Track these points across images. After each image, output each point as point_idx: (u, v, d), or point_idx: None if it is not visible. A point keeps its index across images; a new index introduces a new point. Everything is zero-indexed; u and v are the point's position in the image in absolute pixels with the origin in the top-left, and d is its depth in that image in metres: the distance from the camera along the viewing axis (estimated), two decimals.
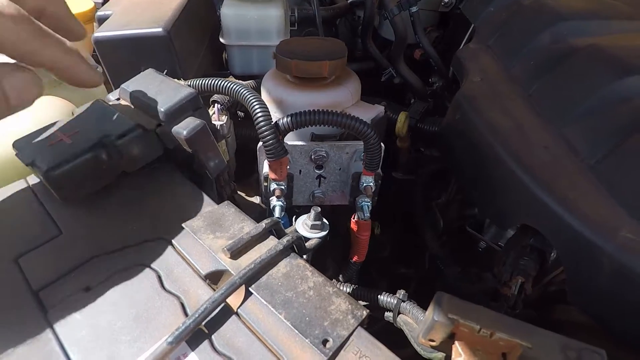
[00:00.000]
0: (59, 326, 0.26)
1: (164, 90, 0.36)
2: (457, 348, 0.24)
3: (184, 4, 0.58)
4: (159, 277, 0.29)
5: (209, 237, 0.32)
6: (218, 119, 0.50)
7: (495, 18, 0.59)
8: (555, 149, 0.41)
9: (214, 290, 0.28)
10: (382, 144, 0.41)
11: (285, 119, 0.36)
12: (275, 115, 0.45)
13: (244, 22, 0.61)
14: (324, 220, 0.37)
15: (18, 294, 0.28)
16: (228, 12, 0.61)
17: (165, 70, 0.44)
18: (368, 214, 0.44)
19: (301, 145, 0.42)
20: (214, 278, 0.30)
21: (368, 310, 0.27)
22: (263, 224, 0.32)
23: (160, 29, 0.49)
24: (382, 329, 0.41)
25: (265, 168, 0.41)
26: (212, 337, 0.26)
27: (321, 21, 0.74)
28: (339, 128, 0.37)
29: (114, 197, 0.35)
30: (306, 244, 0.36)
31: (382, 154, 0.42)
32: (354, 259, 0.48)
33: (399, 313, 0.40)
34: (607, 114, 0.39)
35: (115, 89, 0.41)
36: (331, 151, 0.42)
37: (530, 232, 0.43)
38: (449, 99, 0.72)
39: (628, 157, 0.36)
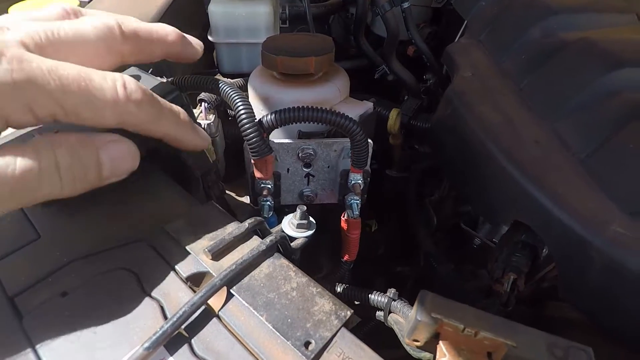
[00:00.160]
0: (35, 333, 0.25)
1: None
2: (442, 348, 0.23)
3: (170, 1, 0.57)
4: (139, 281, 0.28)
5: (190, 238, 0.31)
6: (205, 118, 0.50)
7: (486, 12, 0.58)
8: (546, 143, 0.40)
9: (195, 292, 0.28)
10: (370, 141, 0.41)
11: (269, 116, 0.36)
12: (262, 113, 0.44)
13: (232, 19, 0.60)
14: (311, 219, 0.37)
15: None
16: (216, 10, 0.60)
17: (150, 69, 0.43)
18: (357, 212, 0.43)
19: (288, 143, 0.41)
20: (195, 280, 0.29)
21: (352, 311, 0.27)
22: (246, 223, 0.31)
23: None
24: (378, 328, 0.40)
25: (252, 167, 0.41)
26: (192, 341, 0.25)
27: (312, 18, 0.73)
28: (325, 125, 0.36)
29: (94, 199, 0.34)
30: (293, 244, 0.36)
31: (371, 151, 0.42)
32: (345, 258, 0.48)
33: (389, 312, 0.39)
34: (598, 107, 0.38)
35: None
36: (319, 149, 0.42)
37: (523, 228, 0.42)
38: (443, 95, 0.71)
39: (618, 151, 0.35)
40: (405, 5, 0.70)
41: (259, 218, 0.32)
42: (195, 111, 0.50)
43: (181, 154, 0.37)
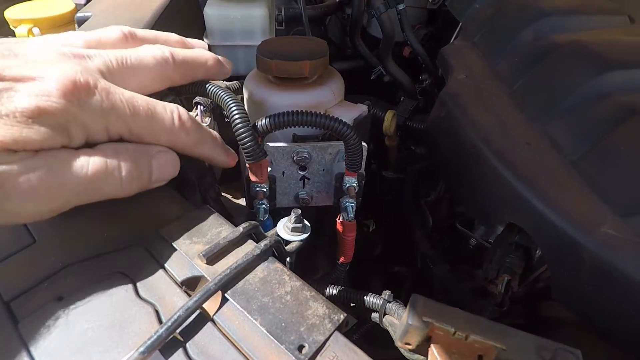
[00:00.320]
0: (30, 337, 0.26)
1: None
2: (433, 351, 0.24)
3: (166, 4, 0.57)
4: (134, 285, 0.29)
5: (185, 242, 0.31)
6: (201, 120, 0.50)
7: (480, 15, 0.59)
8: (538, 145, 0.40)
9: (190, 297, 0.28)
10: (364, 144, 0.41)
11: (264, 120, 0.36)
12: (258, 116, 0.45)
13: (227, 22, 0.60)
14: (305, 222, 0.37)
15: None
16: (212, 12, 0.60)
17: None
18: (352, 215, 0.43)
19: (283, 146, 0.41)
20: (190, 285, 0.29)
21: (346, 315, 0.27)
22: (241, 228, 0.32)
23: None
24: (376, 329, 0.40)
25: (247, 170, 0.41)
26: (187, 345, 0.26)
27: (308, 20, 0.74)
28: (319, 129, 0.36)
29: (90, 203, 0.35)
30: (287, 247, 0.36)
31: (365, 154, 0.42)
32: (340, 260, 0.48)
33: (385, 314, 0.40)
34: (589, 109, 0.39)
35: None
36: (314, 152, 0.42)
37: (516, 229, 0.43)
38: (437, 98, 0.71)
39: (609, 153, 0.36)
40: (401, 7, 0.71)
41: (253, 222, 0.32)
42: (192, 114, 0.51)
43: None
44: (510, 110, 0.45)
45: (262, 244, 0.31)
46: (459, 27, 0.69)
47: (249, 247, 0.31)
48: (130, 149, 0.30)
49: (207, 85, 0.38)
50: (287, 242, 0.36)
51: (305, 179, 0.44)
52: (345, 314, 0.27)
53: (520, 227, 0.39)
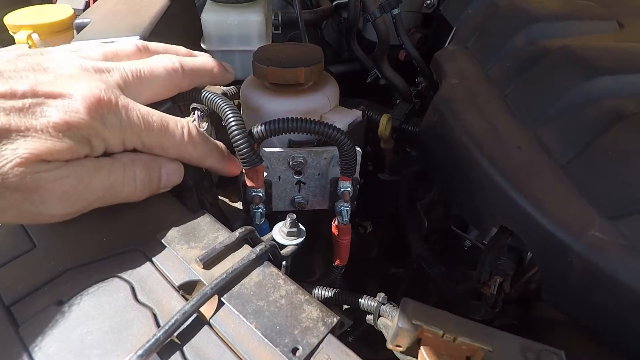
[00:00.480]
0: (30, 341, 0.26)
1: None
2: (423, 353, 0.24)
3: (164, 10, 0.58)
4: (132, 289, 0.29)
5: (183, 247, 0.32)
6: (199, 125, 0.51)
7: (473, 20, 0.60)
8: (529, 149, 0.41)
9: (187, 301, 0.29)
10: (358, 149, 0.42)
11: (259, 127, 0.37)
12: (254, 121, 0.45)
13: (224, 27, 0.61)
14: (301, 226, 0.38)
15: None
16: (208, 18, 0.61)
17: None
18: (347, 219, 0.44)
19: (279, 151, 0.42)
20: (187, 289, 0.30)
21: (339, 317, 0.28)
22: (237, 233, 0.32)
23: (136, 37, 0.49)
24: (372, 330, 0.41)
25: (243, 176, 0.42)
26: (184, 348, 0.26)
27: (304, 25, 0.74)
28: (313, 135, 0.37)
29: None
30: (283, 251, 0.37)
31: (359, 159, 0.43)
32: (336, 263, 0.49)
33: (379, 316, 0.40)
34: (578, 114, 0.40)
35: None
36: (309, 157, 0.43)
37: (508, 232, 0.44)
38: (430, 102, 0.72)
39: (597, 157, 0.37)
40: (395, 12, 0.71)
41: (249, 227, 0.33)
42: (189, 119, 0.51)
43: None
44: (502, 114, 0.46)
45: (258, 248, 0.31)
46: (453, 31, 0.70)
47: (245, 252, 0.32)
48: (143, 159, 0.34)
49: (203, 93, 0.39)
50: (283, 246, 0.37)
51: (301, 184, 0.45)
52: (338, 317, 0.28)
53: (511, 229, 0.40)
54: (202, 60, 0.41)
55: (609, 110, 0.38)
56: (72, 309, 0.28)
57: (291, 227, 0.36)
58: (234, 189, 0.60)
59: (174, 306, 0.28)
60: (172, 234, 0.33)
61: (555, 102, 0.42)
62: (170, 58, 0.37)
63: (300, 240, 0.37)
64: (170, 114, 0.38)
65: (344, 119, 0.45)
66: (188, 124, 0.35)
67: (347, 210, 0.44)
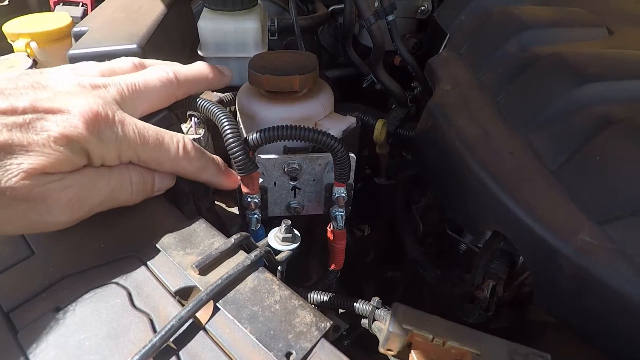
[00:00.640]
0: (29, 347, 0.27)
1: None
2: (413, 356, 0.25)
3: (161, 18, 0.59)
4: (129, 295, 0.30)
5: (179, 253, 0.32)
6: (195, 132, 0.51)
7: (466, 26, 0.60)
8: (521, 155, 0.42)
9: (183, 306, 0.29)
10: (353, 155, 0.42)
11: (254, 134, 0.37)
12: (250, 128, 0.46)
13: (221, 35, 0.62)
14: (296, 232, 0.38)
15: None
16: (205, 26, 0.62)
17: None
18: (342, 224, 0.45)
19: (274, 158, 0.43)
20: (183, 294, 0.31)
21: (332, 322, 0.28)
22: (232, 239, 0.33)
23: (134, 45, 0.50)
24: (367, 334, 0.41)
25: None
26: (180, 353, 0.27)
27: (300, 31, 0.75)
28: (308, 142, 0.38)
29: None
30: (278, 257, 0.37)
31: (354, 166, 0.43)
32: (332, 267, 0.49)
33: (374, 320, 0.41)
34: (567, 120, 0.40)
35: None
36: (304, 163, 0.43)
37: (501, 236, 0.44)
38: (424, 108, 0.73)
39: (586, 163, 0.37)
40: (390, 18, 0.72)
41: (244, 233, 0.34)
42: (186, 125, 0.52)
43: None
44: (495, 120, 0.46)
45: (253, 254, 0.32)
46: (447, 37, 0.71)
47: (240, 258, 0.32)
48: (138, 167, 0.35)
49: (199, 101, 0.39)
50: (278, 252, 0.38)
51: (297, 189, 0.46)
52: (332, 322, 0.28)
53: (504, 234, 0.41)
54: (197, 68, 0.41)
55: (598, 116, 0.39)
56: (69, 315, 0.28)
57: (286, 232, 0.37)
58: (230, 194, 0.60)
59: (170, 312, 0.29)
60: (169, 241, 0.33)
61: (545, 108, 0.42)
62: (164, 69, 0.38)
63: (295, 245, 0.38)
64: (166, 121, 0.39)
65: (338, 125, 0.46)
66: (184, 139, 0.36)
67: (341, 215, 0.44)
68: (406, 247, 0.61)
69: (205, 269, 0.31)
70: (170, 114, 0.40)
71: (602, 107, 0.40)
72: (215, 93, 0.58)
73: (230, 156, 0.37)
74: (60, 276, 0.31)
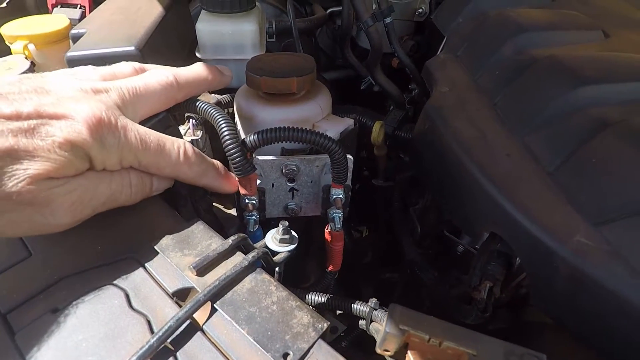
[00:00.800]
0: (26, 348, 0.27)
1: None
2: (410, 357, 0.25)
3: (159, 20, 0.59)
4: (127, 296, 0.30)
5: (177, 255, 0.32)
6: (193, 134, 0.51)
7: (463, 29, 0.61)
8: (517, 157, 0.42)
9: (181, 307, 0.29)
10: (350, 157, 0.42)
11: (252, 136, 0.37)
12: (247, 130, 0.46)
13: (218, 37, 0.62)
14: (293, 233, 0.38)
15: None
16: (203, 28, 0.62)
17: None
18: (339, 225, 0.45)
19: (272, 160, 0.43)
20: (181, 296, 0.31)
21: (329, 323, 0.28)
22: (230, 240, 0.33)
23: (132, 48, 0.50)
24: (365, 335, 0.42)
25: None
26: (177, 354, 0.27)
27: (298, 33, 0.75)
28: (305, 144, 0.38)
29: None
30: (275, 258, 0.37)
31: (351, 167, 0.44)
32: (329, 268, 0.49)
33: (371, 321, 0.41)
34: (564, 122, 0.40)
35: None
36: (302, 165, 0.44)
37: (498, 238, 0.44)
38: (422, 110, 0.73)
39: (582, 165, 0.38)
40: (388, 20, 0.73)
41: (242, 235, 0.34)
42: (184, 127, 0.52)
43: None
44: (491, 122, 0.47)
45: (250, 255, 0.32)
46: (444, 40, 0.71)
47: (238, 259, 0.32)
48: (137, 170, 0.36)
49: (197, 103, 0.40)
50: (276, 253, 0.38)
51: (294, 191, 0.46)
52: (329, 323, 0.28)
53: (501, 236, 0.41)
54: (196, 70, 0.42)
55: (594, 119, 0.39)
56: (67, 317, 0.28)
57: (284, 234, 0.37)
58: (228, 195, 0.60)
59: (167, 313, 0.29)
60: (166, 242, 0.33)
61: (542, 111, 0.43)
62: (164, 72, 0.39)
63: (292, 247, 0.38)
64: (164, 123, 0.39)
65: (335, 127, 0.46)
66: (185, 144, 0.37)
67: (339, 216, 0.45)
68: (404, 248, 0.61)
69: (202, 270, 0.31)
70: (169, 116, 0.40)
71: (598, 110, 0.40)
72: (213, 95, 0.58)
73: (228, 158, 0.37)
74: (57, 277, 0.31)
